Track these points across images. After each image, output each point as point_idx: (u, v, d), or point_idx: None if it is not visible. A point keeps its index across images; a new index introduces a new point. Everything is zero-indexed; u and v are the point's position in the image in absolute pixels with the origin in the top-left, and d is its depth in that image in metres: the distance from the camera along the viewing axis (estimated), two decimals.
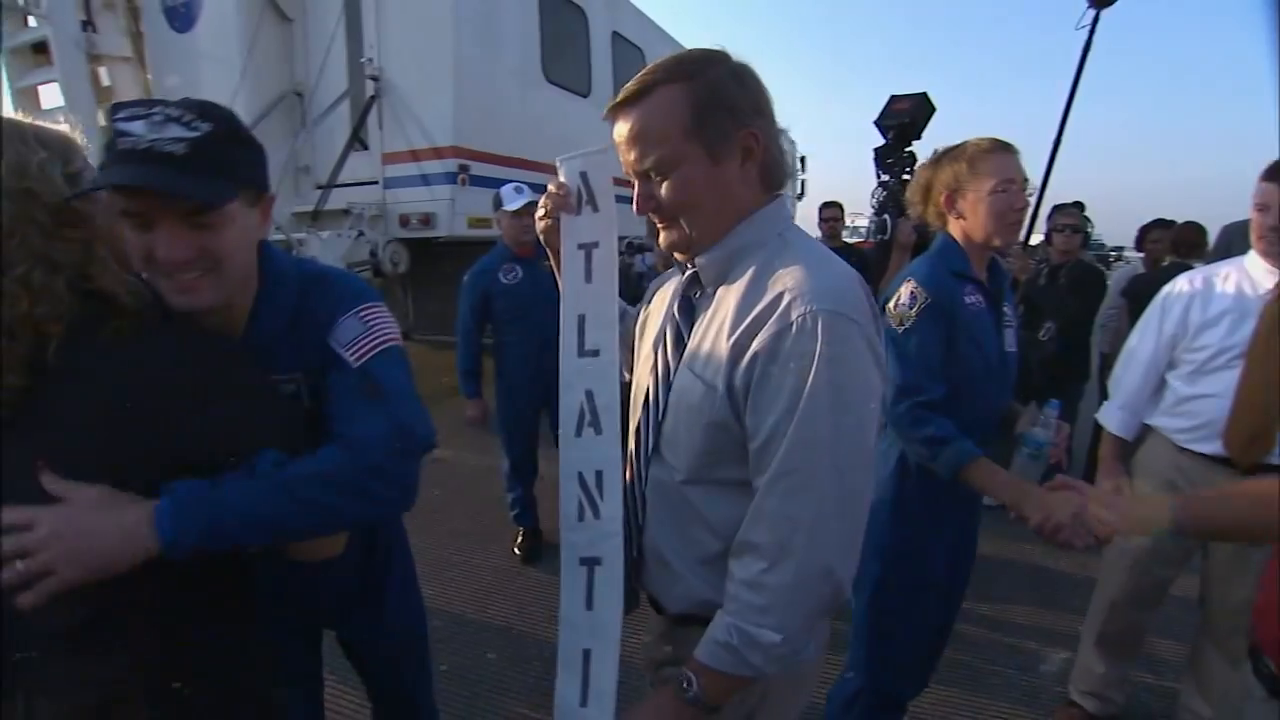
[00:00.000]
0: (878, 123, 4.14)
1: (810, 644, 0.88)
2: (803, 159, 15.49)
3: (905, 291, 1.45)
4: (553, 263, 1.12)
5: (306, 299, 0.98)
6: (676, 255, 0.97)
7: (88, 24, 5.05)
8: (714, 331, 0.89)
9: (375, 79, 4.67)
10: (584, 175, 1.03)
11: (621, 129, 0.88)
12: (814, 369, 0.78)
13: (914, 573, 1.54)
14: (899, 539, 1.53)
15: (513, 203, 2.91)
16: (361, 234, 4.75)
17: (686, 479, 0.92)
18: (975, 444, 1.39)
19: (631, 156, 0.88)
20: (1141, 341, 1.83)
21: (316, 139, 4.96)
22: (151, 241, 0.79)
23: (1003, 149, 1.47)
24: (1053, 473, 1.35)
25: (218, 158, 0.80)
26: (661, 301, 1.07)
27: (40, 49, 5.24)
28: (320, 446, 0.87)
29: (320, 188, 4.82)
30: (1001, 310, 1.57)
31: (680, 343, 0.95)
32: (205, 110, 0.80)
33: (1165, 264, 3.79)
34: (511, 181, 3.12)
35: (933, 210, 1.58)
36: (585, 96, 6.29)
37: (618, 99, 0.88)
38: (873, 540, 1.54)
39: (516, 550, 3.19)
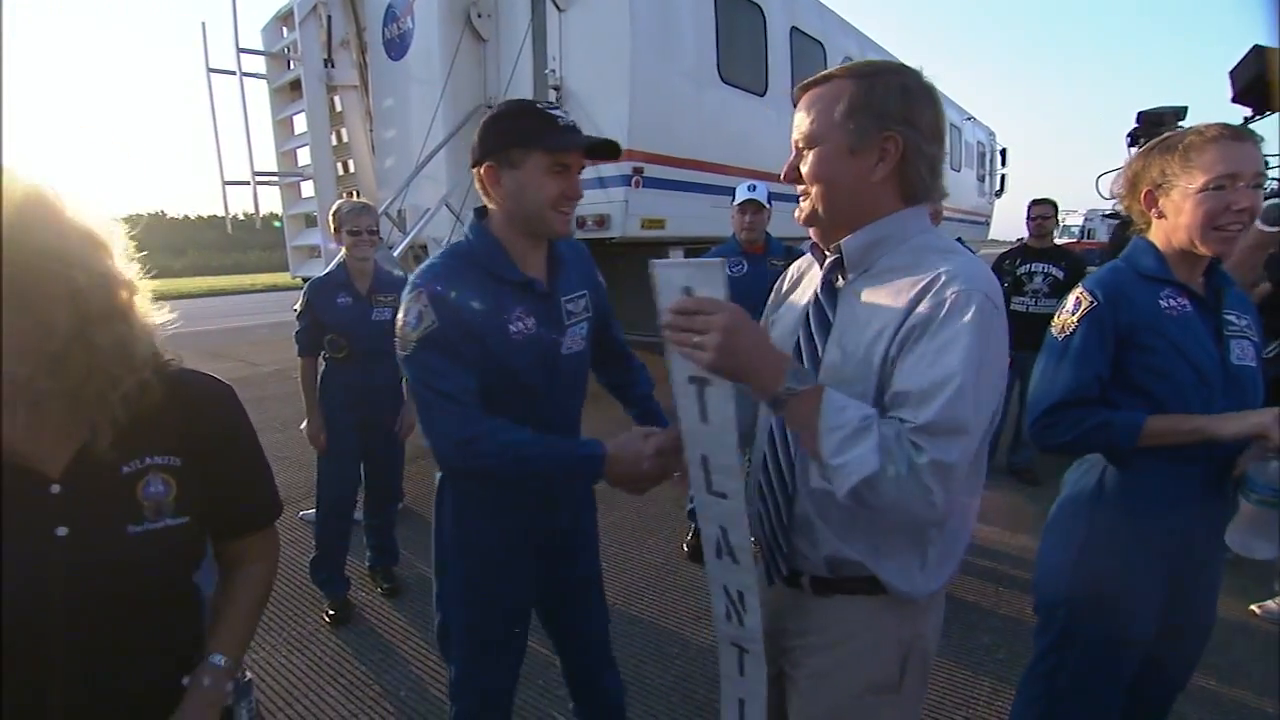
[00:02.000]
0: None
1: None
2: (1003, 152, 13.98)
3: (1072, 298, 1.36)
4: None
5: (567, 249, 1.44)
6: (812, 234, 1.07)
7: (328, 61, 5.90)
8: (865, 313, 0.96)
9: (556, 89, 4.90)
10: (688, 290, 0.88)
11: (799, 106, 1.02)
12: (966, 342, 0.85)
13: (1106, 625, 1.30)
14: (1089, 584, 1.30)
15: (739, 197, 3.08)
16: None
17: None
18: (1205, 476, 1.27)
19: (795, 129, 1.02)
20: None
21: None
22: (565, 184, 1.25)
23: (1233, 137, 1.17)
24: None
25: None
26: (799, 285, 1.16)
27: (295, 86, 6.21)
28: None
29: None
30: (1222, 318, 1.27)
31: (825, 323, 1.02)
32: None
33: None
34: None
35: (1135, 209, 1.34)
36: (761, 95, 6.15)
37: (806, 81, 1.02)
38: (1060, 584, 1.36)
39: (685, 547, 3.18)
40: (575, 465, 1.21)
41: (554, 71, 4.93)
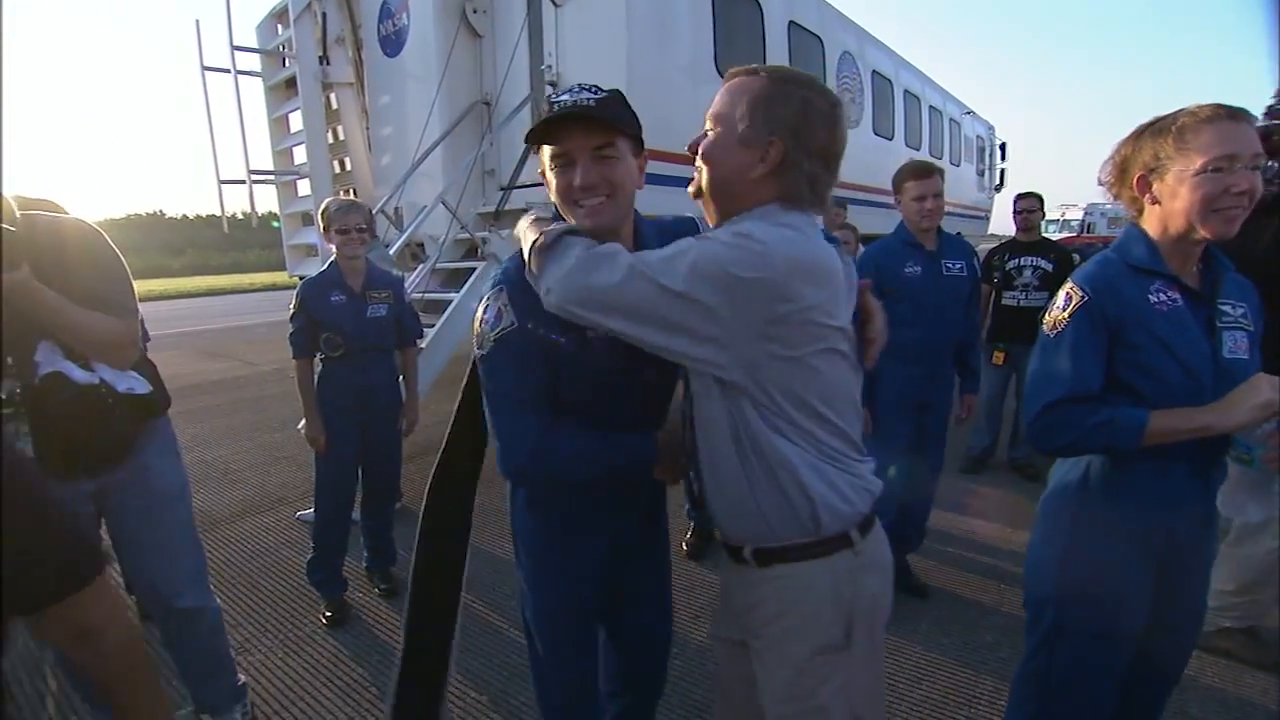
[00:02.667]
0: None
1: None
2: (1003, 146, 13.92)
3: (1062, 294, 1.32)
4: None
5: (663, 234, 1.30)
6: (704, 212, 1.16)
7: (323, 58, 5.86)
8: None
9: (553, 84, 4.86)
10: None
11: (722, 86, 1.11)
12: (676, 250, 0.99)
13: (1094, 619, 1.30)
14: (1076, 578, 1.30)
15: None
16: None
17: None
18: (1190, 468, 1.25)
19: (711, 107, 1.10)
20: None
21: (501, 143, 5.28)
22: (571, 176, 1.11)
23: (1229, 116, 1.13)
24: None
25: (614, 108, 1.12)
26: None
27: (290, 84, 6.19)
28: None
29: (503, 189, 5.13)
30: (1216, 309, 1.24)
31: None
32: (604, 88, 1.13)
33: None
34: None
35: (1125, 194, 1.30)
36: None
37: (737, 68, 1.10)
38: (1047, 580, 1.36)
39: (684, 546, 3.17)
40: (630, 467, 1.22)
41: (550, 67, 4.89)
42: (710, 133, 1.09)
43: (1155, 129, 1.22)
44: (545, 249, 1.06)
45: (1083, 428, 1.23)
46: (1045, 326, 1.32)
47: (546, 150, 1.15)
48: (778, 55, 6.31)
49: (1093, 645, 1.31)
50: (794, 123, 1.03)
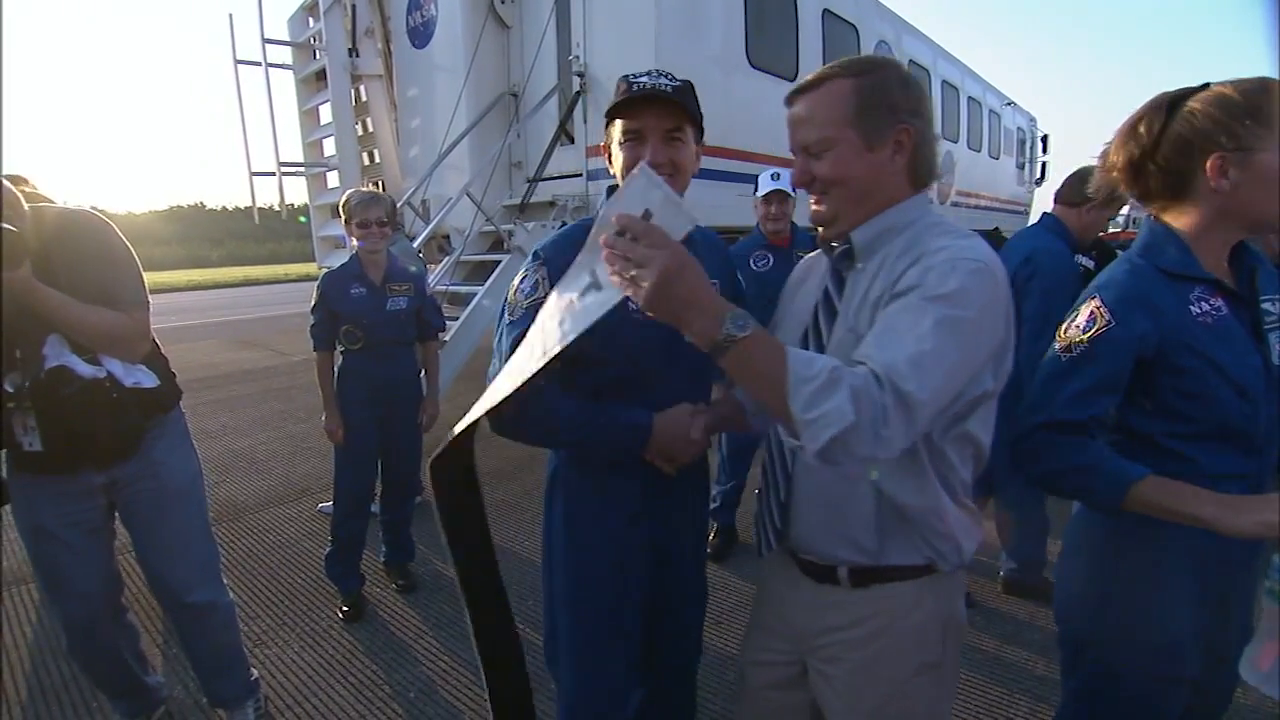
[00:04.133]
0: None
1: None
2: (1044, 138, 13.47)
3: (1085, 311, 1.11)
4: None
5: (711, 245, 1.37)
6: (822, 233, 1.08)
7: (353, 50, 5.88)
8: (873, 294, 0.98)
9: (581, 75, 4.80)
10: (646, 213, 0.85)
11: (797, 109, 1.03)
12: (946, 285, 0.86)
13: (1147, 665, 1.16)
14: (1125, 622, 1.15)
15: (763, 188, 2.94)
16: (564, 224, 4.89)
17: None
18: (1246, 488, 1.03)
19: (798, 135, 1.03)
20: None
21: (528, 135, 5.24)
22: (640, 152, 1.16)
23: None
24: None
25: (688, 95, 1.20)
26: (806, 281, 1.18)
27: (320, 76, 6.22)
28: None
29: (529, 181, 5.09)
30: (1259, 310, 1.08)
31: (832, 312, 1.05)
32: (680, 78, 1.20)
33: None
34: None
35: (1156, 179, 1.09)
36: (791, 80, 5.97)
37: (799, 84, 1.03)
38: (1084, 619, 1.24)
39: (707, 550, 3.06)
40: (620, 432, 1.21)
41: (578, 58, 4.82)
42: (824, 157, 1.00)
43: (1212, 101, 1.02)
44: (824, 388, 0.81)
45: (1063, 463, 1.08)
46: (1058, 344, 1.13)
47: (619, 125, 1.20)
48: (811, 44, 6.15)
49: (1153, 689, 1.17)
50: (907, 102, 0.99)
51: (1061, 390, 1.10)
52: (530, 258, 1.25)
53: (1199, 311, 1.06)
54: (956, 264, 0.88)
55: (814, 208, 1.06)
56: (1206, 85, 1.04)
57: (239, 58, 5.86)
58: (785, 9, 5.85)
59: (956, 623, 1.09)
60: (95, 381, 1.50)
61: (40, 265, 1.36)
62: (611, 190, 1.26)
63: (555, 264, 1.18)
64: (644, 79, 1.17)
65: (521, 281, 1.23)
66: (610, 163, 1.27)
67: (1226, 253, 1.10)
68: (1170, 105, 1.06)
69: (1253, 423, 1.06)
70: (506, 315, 1.23)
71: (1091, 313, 1.10)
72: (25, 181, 1.88)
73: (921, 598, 1.05)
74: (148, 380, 1.61)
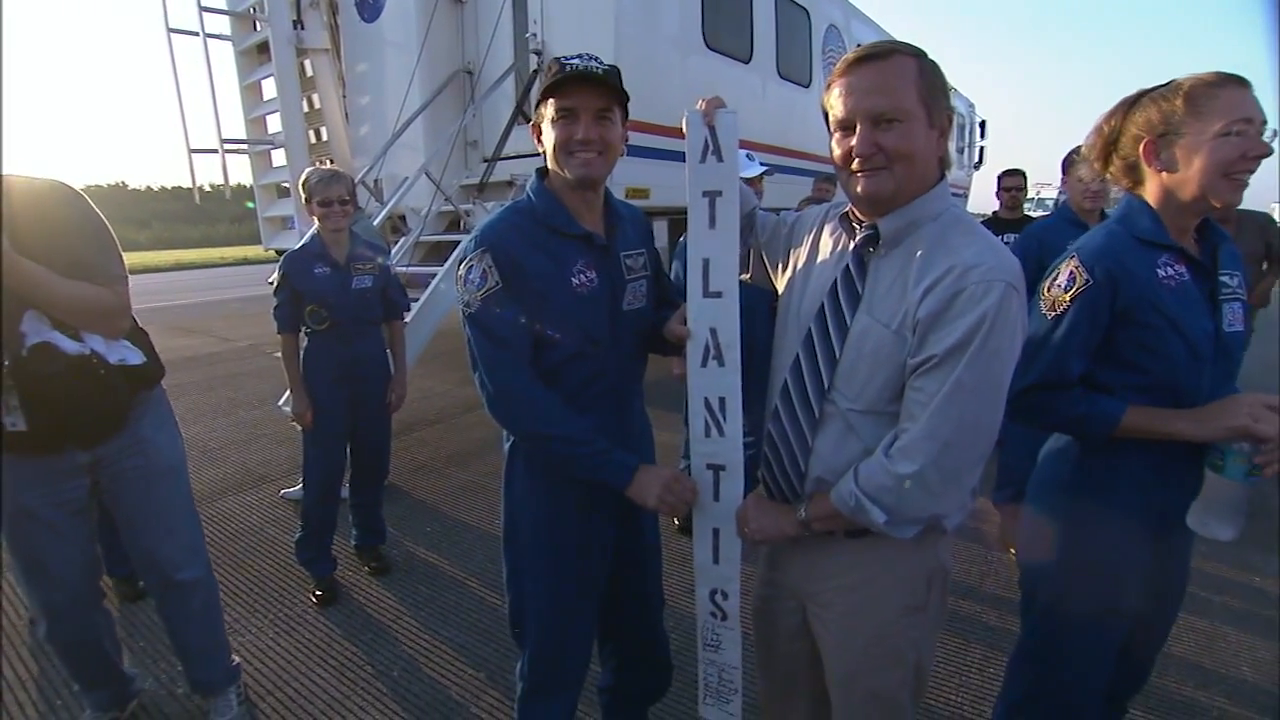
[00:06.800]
0: None
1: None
2: (983, 124, 13.96)
3: (1065, 270, 1.26)
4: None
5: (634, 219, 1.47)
6: (865, 211, 1.09)
7: (297, 23, 5.64)
8: (898, 287, 1.02)
9: (538, 53, 4.74)
10: (711, 129, 1.18)
11: (863, 78, 1.01)
12: (982, 328, 0.94)
13: (1094, 601, 1.31)
14: (1075, 558, 1.32)
15: (746, 170, 2.91)
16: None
17: (862, 409, 1.07)
18: (1190, 448, 1.21)
19: (868, 103, 1.00)
20: None
21: (484, 114, 5.15)
22: (573, 130, 1.23)
23: (1238, 83, 1.13)
24: None
25: (617, 80, 1.26)
26: (826, 248, 1.18)
27: (263, 49, 5.94)
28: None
29: (486, 161, 5.02)
30: (1217, 281, 1.23)
31: (854, 296, 1.07)
32: (608, 62, 1.27)
33: None
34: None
35: (1118, 165, 1.28)
36: (746, 63, 6.04)
37: (861, 54, 1.02)
38: (1046, 570, 1.39)
39: (675, 520, 3.12)
40: (606, 461, 1.27)
41: (535, 35, 4.77)
42: (894, 127, 0.99)
43: (1158, 95, 1.19)
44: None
45: (1063, 416, 1.26)
46: (1043, 304, 1.27)
47: (551, 104, 1.24)
48: (765, 28, 6.22)
49: (1094, 620, 1.32)
50: (946, 88, 1.04)
51: (1048, 351, 1.24)
52: (472, 244, 1.28)
53: (1164, 275, 1.21)
54: (991, 287, 0.94)
55: (866, 184, 1.03)
56: (1170, 82, 1.18)
57: (172, 26, 5.56)
58: None
59: (943, 572, 1.17)
60: (81, 359, 1.46)
61: (10, 239, 1.31)
62: (541, 172, 1.35)
63: (500, 251, 1.24)
64: (575, 60, 1.22)
65: (469, 272, 1.25)
66: (539, 141, 1.30)
67: (1192, 227, 1.25)
68: (1132, 103, 1.23)
69: (1197, 381, 1.20)
70: (463, 309, 1.28)
71: (1071, 273, 1.24)
72: None
73: (909, 551, 1.11)
74: (133, 356, 1.57)
